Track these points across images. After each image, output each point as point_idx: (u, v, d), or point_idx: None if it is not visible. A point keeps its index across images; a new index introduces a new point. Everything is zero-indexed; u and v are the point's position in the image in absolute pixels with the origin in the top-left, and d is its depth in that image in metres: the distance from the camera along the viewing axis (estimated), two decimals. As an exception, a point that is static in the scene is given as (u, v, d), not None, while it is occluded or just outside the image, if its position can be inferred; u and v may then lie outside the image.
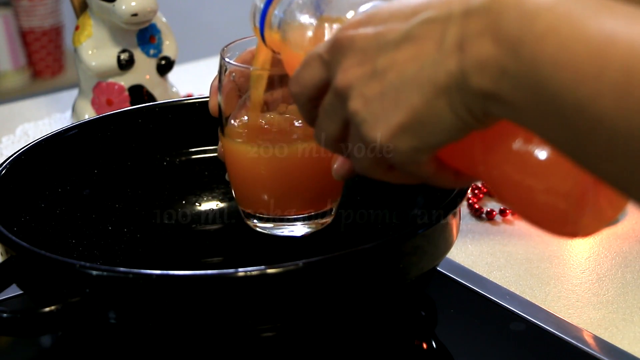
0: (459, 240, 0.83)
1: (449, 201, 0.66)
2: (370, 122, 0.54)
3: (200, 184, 0.83)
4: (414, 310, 0.74)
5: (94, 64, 1.01)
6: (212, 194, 0.83)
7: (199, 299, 0.59)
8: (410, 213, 0.75)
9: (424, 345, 0.73)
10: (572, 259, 0.81)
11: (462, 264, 0.80)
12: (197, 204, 0.82)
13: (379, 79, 0.53)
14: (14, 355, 0.73)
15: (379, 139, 0.54)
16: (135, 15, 0.97)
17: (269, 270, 0.59)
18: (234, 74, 0.68)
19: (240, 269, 0.59)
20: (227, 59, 0.68)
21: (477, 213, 0.88)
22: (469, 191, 0.89)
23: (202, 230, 0.82)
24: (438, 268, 0.75)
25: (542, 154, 0.53)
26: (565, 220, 0.55)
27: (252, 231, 0.80)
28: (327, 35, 0.63)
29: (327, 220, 0.72)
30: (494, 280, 0.78)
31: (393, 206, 0.77)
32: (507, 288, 0.76)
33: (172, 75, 1.05)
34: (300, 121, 0.69)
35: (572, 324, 0.72)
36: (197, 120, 0.82)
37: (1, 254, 0.66)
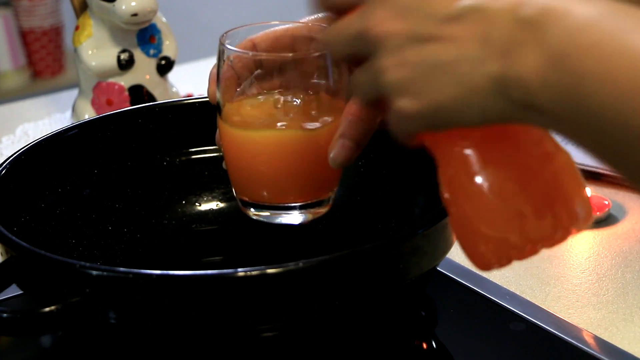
0: (459, 240, 0.83)
1: (449, 201, 0.66)
2: (395, 87, 0.54)
3: (200, 184, 0.83)
4: (414, 310, 0.74)
5: (94, 64, 1.01)
6: (212, 194, 0.83)
7: (199, 299, 0.59)
8: (410, 213, 0.75)
9: (424, 345, 0.73)
10: (572, 259, 0.81)
11: (462, 264, 0.80)
12: (197, 204, 0.82)
13: (418, 46, 0.52)
14: (14, 355, 0.73)
15: (395, 105, 0.54)
16: (135, 15, 0.97)
17: (269, 270, 0.59)
18: (232, 59, 0.68)
19: (240, 269, 0.59)
20: (227, 45, 0.68)
21: (477, 213, 0.87)
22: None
23: (202, 230, 0.82)
24: (438, 268, 0.75)
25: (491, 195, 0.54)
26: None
27: (252, 231, 0.80)
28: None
29: (325, 209, 0.71)
30: (494, 280, 0.78)
31: (393, 206, 0.77)
32: (507, 288, 0.76)
33: (172, 75, 1.05)
34: (299, 106, 0.68)
35: (572, 324, 0.72)
36: (197, 120, 0.82)
37: (1, 254, 0.66)
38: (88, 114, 1.02)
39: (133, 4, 0.97)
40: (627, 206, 0.88)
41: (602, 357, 0.68)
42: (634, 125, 0.45)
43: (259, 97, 0.70)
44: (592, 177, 0.92)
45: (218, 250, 0.81)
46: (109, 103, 1.01)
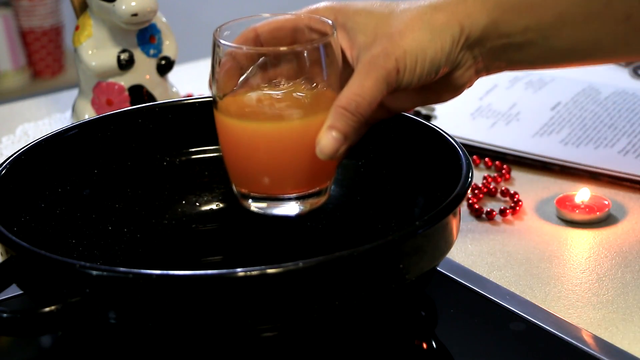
0: (459, 240, 0.83)
1: (449, 201, 0.66)
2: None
3: (200, 184, 0.83)
4: (414, 310, 0.74)
5: (94, 64, 1.01)
6: (212, 194, 0.83)
7: (199, 299, 0.59)
8: (410, 213, 0.75)
9: (424, 345, 0.73)
10: (572, 259, 0.81)
11: (462, 264, 0.80)
12: (197, 204, 0.82)
13: None
14: (14, 355, 0.73)
15: None
16: (135, 15, 0.97)
17: (269, 270, 0.59)
18: (232, 51, 0.69)
19: (240, 269, 0.59)
20: (221, 41, 0.69)
21: (477, 213, 0.88)
22: (469, 191, 0.89)
23: (202, 230, 0.82)
24: (438, 268, 0.75)
25: None
26: None
27: (252, 231, 0.80)
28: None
29: (322, 199, 0.72)
30: (494, 280, 0.78)
31: (393, 206, 0.77)
32: (507, 288, 0.76)
33: (172, 75, 1.05)
34: (295, 97, 0.69)
35: (572, 324, 0.72)
36: (197, 120, 0.82)
37: (1, 254, 0.66)
38: (88, 114, 1.02)
39: (133, 4, 0.97)
40: (627, 206, 0.88)
41: (602, 357, 0.68)
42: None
43: (256, 89, 0.70)
44: (592, 177, 0.92)
45: (218, 250, 0.81)
46: (109, 103, 1.01)
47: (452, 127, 0.96)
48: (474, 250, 0.82)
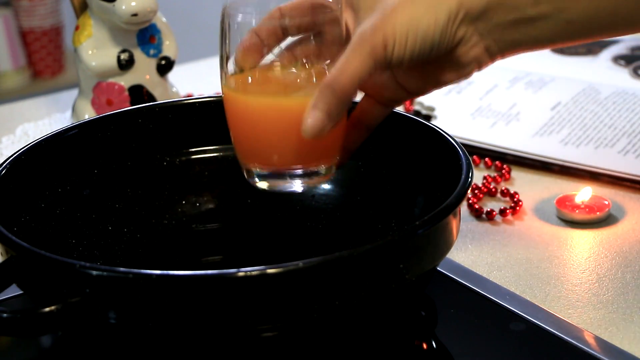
0: (459, 240, 0.83)
1: (449, 201, 0.66)
2: None
3: (200, 184, 0.83)
4: (414, 310, 0.74)
5: (94, 64, 1.01)
6: (212, 194, 0.83)
7: (199, 299, 0.59)
8: (410, 213, 0.75)
9: (424, 345, 0.73)
10: (572, 259, 0.81)
11: (462, 264, 0.80)
12: (197, 204, 0.82)
13: None
14: (14, 355, 0.73)
15: None
16: (135, 15, 0.97)
17: (269, 270, 0.59)
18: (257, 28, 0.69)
19: (240, 269, 0.59)
20: (240, 16, 0.69)
21: (477, 213, 0.88)
22: (469, 191, 0.89)
23: (202, 230, 0.82)
24: (438, 268, 0.75)
25: None
26: None
27: (252, 231, 0.80)
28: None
29: (327, 177, 0.71)
30: (494, 280, 0.78)
31: (393, 206, 0.77)
32: (507, 288, 0.76)
33: (172, 75, 1.05)
34: (302, 73, 0.69)
35: (572, 324, 0.72)
36: (197, 120, 0.82)
37: (1, 254, 0.66)
38: (88, 114, 1.02)
39: (133, 4, 0.97)
40: (627, 206, 0.88)
41: (602, 357, 0.68)
42: None
43: (268, 64, 0.70)
44: (592, 177, 0.92)
45: (218, 250, 0.81)
46: (109, 103, 1.01)
47: (452, 127, 0.96)
48: (474, 250, 0.82)
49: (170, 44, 1.03)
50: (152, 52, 1.02)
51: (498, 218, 0.87)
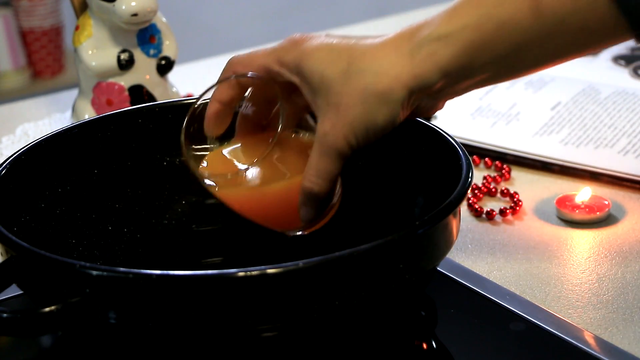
0: (459, 240, 0.83)
1: (449, 201, 0.66)
2: None
3: (200, 184, 0.83)
4: (414, 310, 0.74)
5: (94, 64, 1.01)
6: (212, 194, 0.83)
7: (199, 299, 0.59)
8: (410, 213, 0.75)
9: (424, 345, 0.73)
10: (572, 259, 0.81)
11: (462, 264, 0.80)
12: (197, 204, 0.82)
13: None
14: (14, 355, 0.73)
15: None
16: (135, 15, 0.97)
17: (269, 270, 0.59)
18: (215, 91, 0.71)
19: (240, 269, 0.59)
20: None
21: (477, 213, 0.88)
22: (469, 191, 0.89)
23: (202, 230, 0.82)
24: (438, 268, 0.75)
25: None
26: None
27: (252, 231, 0.80)
28: None
29: (325, 220, 0.72)
30: (494, 280, 0.78)
31: (393, 206, 0.77)
32: (507, 288, 0.76)
33: (172, 75, 1.05)
34: (258, 161, 0.70)
35: (572, 324, 0.72)
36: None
37: (1, 254, 0.66)
38: (88, 114, 1.02)
39: (133, 4, 0.97)
40: (627, 206, 0.88)
41: (602, 357, 0.68)
42: None
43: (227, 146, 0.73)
44: (592, 177, 0.92)
45: (218, 250, 0.81)
46: (109, 103, 1.01)
47: (452, 127, 0.96)
48: (474, 250, 0.82)
49: (170, 44, 1.03)
50: (152, 52, 1.02)
51: (498, 218, 0.87)
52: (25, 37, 2.27)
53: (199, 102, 0.71)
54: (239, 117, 0.73)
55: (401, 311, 0.71)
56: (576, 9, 0.64)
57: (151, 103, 0.89)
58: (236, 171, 0.71)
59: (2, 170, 0.73)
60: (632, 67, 1.10)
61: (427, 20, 0.67)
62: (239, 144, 0.73)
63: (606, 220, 0.86)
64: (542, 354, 0.70)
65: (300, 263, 0.59)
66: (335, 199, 0.71)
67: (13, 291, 0.68)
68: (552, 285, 0.77)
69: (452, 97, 0.70)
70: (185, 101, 0.83)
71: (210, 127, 0.72)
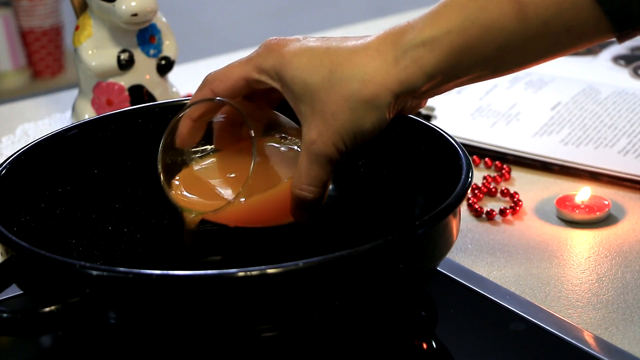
0: (459, 240, 0.83)
1: (449, 201, 0.66)
2: None
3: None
4: (414, 310, 0.74)
5: (94, 64, 1.01)
6: (212, 194, 0.83)
7: (199, 299, 0.59)
8: (410, 213, 0.75)
9: (424, 345, 0.73)
10: (572, 259, 0.81)
11: (462, 264, 0.80)
12: (197, 204, 0.82)
13: None
14: (14, 355, 0.73)
15: None
16: (135, 15, 0.97)
17: (269, 270, 0.59)
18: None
19: (240, 269, 0.59)
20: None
21: (477, 213, 0.88)
22: (469, 191, 0.89)
23: (202, 230, 0.82)
24: (438, 268, 0.75)
25: None
26: None
27: (252, 231, 0.80)
28: None
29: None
30: (494, 280, 0.78)
31: (393, 206, 0.77)
32: (507, 288, 0.76)
33: (172, 75, 1.05)
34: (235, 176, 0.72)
35: (572, 324, 0.72)
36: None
37: (1, 254, 0.66)
38: (88, 114, 1.02)
39: (133, 4, 0.97)
40: (627, 206, 0.88)
41: (602, 357, 0.68)
42: None
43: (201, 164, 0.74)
44: (592, 177, 0.92)
45: (218, 250, 0.81)
46: (109, 103, 1.01)
47: (452, 127, 0.96)
48: (474, 250, 0.82)
49: (170, 44, 1.03)
50: (152, 52, 1.02)
51: (498, 218, 0.87)
52: (25, 37, 2.27)
53: (171, 123, 0.72)
54: (215, 125, 0.74)
55: (401, 311, 0.72)
56: (560, 11, 0.64)
57: (151, 103, 0.89)
58: (215, 208, 0.71)
59: (2, 170, 0.73)
60: (632, 67, 1.10)
61: (410, 23, 0.67)
62: (214, 159, 0.74)
63: (606, 220, 0.86)
64: (542, 354, 0.70)
65: (300, 263, 0.59)
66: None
67: (13, 291, 0.68)
68: (552, 285, 0.77)
69: (438, 95, 0.70)
70: (185, 101, 0.83)
71: (183, 141, 0.74)
